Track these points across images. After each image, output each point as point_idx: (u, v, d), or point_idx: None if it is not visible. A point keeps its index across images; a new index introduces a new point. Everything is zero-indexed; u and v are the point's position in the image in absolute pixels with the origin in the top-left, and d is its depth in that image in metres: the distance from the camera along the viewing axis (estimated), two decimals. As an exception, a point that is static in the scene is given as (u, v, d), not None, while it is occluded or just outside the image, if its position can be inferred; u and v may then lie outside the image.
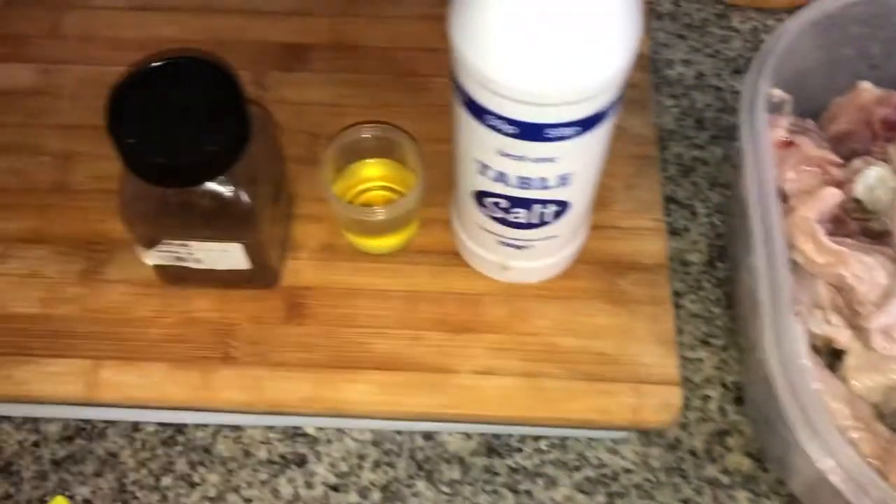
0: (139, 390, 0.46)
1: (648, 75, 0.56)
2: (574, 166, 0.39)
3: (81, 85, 0.56)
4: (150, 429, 0.50)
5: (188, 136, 0.38)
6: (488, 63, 0.34)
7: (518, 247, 0.46)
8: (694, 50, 0.62)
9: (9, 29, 0.58)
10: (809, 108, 0.56)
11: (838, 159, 0.49)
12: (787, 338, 0.41)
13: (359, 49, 0.57)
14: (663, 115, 0.59)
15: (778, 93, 0.53)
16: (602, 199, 0.51)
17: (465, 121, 0.39)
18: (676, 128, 0.59)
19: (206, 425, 0.50)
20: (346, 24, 0.58)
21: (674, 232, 0.55)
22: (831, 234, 0.48)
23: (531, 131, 0.36)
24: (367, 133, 0.48)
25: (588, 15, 0.32)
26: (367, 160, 0.50)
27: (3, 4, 0.59)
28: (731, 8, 0.64)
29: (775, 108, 0.54)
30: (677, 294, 0.53)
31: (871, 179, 0.49)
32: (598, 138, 0.38)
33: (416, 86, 0.56)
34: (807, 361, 0.44)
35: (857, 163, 0.49)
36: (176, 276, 0.47)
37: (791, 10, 0.64)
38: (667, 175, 0.57)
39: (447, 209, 0.50)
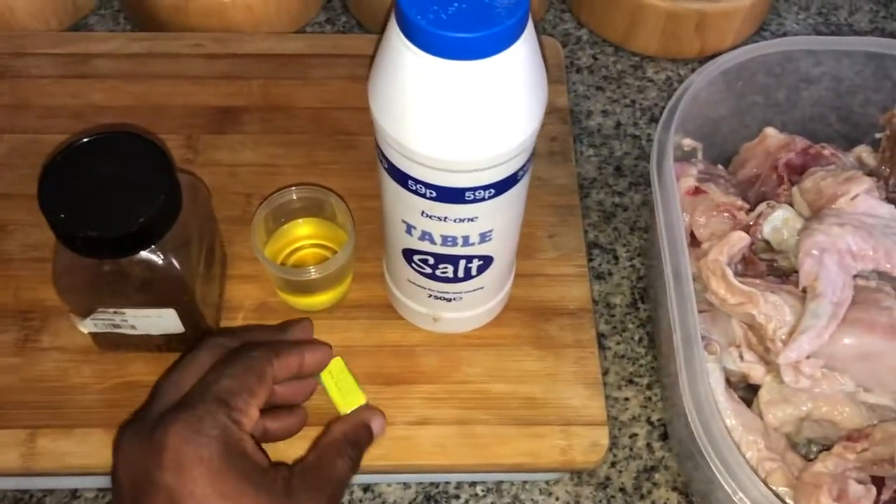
0: (76, 458, 0.47)
1: (569, 127, 0.59)
2: (494, 224, 0.41)
3: (14, 154, 0.56)
4: (90, 495, 0.50)
5: (119, 208, 0.39)
6: (405, 135, 0.36)
7: (447, 299, 0.47)
8: (612, 101, 0.65)
9: (-62, 99, 0.58)
10: (722, 154, 0.59)
11: (745, 204, 0.52)
12: (698, 377, 0.44)
13: (289, 110, 0.59)
14: (584, 164, 0.62)
15: (688, 141, 0.56)
16: (527, 249, 0.53)
17: (390, 184, 0.40)
18: (597, 175, 0.61)
19: (146, 488, 0.50)
20: (276, 87, 0.60)
21: (598, 276, 0.58)
22: (742, 274, 0.51)
23: (450, 195, 0.38)
24: (294, 195, 0.50)
25: (497, 94, 0.34)
26: (297, 220, 0.51)
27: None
28: (646, 59, 0.67)
29: (687, 156, 0.57)
30: (603, 335, 0.56)
31: (777, 221, 0.52)
32: (514, 197, 0.41)
33: (346, 144, 0.58)
34: (718, 399, 0.46)
35: (762, 206, 0.52)
36: (112, 343, 0.48)
37: (702, 60, 0.68)
38: (589, 221, 0.59)
39: (380, 263, 0.52)
